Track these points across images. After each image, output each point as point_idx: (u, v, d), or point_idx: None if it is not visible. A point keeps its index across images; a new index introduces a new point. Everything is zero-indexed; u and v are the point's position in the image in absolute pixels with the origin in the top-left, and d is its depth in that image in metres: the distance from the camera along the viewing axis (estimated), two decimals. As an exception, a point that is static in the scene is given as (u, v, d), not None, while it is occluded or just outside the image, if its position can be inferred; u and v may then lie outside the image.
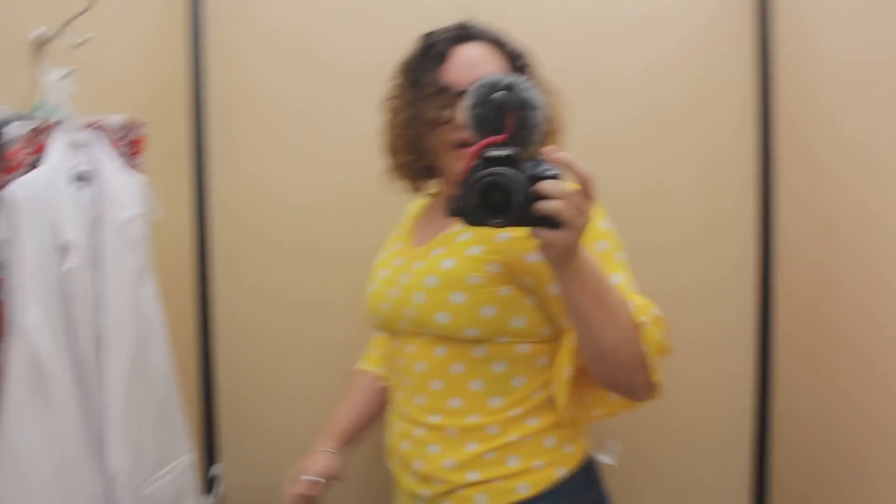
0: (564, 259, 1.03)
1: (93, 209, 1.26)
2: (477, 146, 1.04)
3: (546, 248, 1.03)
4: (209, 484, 1.87)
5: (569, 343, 1.19)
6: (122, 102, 1.50)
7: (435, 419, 1.26)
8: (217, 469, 1.89)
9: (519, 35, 1.34)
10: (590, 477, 1.32)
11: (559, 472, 1.26)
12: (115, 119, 1.36)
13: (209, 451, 1.89)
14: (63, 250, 1.14)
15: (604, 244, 1.21)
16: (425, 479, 1.28)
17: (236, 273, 1.89)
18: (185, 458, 1.51)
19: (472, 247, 1.23)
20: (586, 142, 1.70)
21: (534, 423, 1.25)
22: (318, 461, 1.46)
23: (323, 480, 1.44)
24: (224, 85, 1.86)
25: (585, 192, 1.00)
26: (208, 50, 1.84)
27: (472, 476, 1.24)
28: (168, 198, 1.50)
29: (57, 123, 1.19)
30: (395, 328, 1.32)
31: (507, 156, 1.02)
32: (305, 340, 1.89)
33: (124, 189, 1.32)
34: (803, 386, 1.71)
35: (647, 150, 1.81)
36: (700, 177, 1.81)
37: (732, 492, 1.86)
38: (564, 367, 1.19)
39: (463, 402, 1.25)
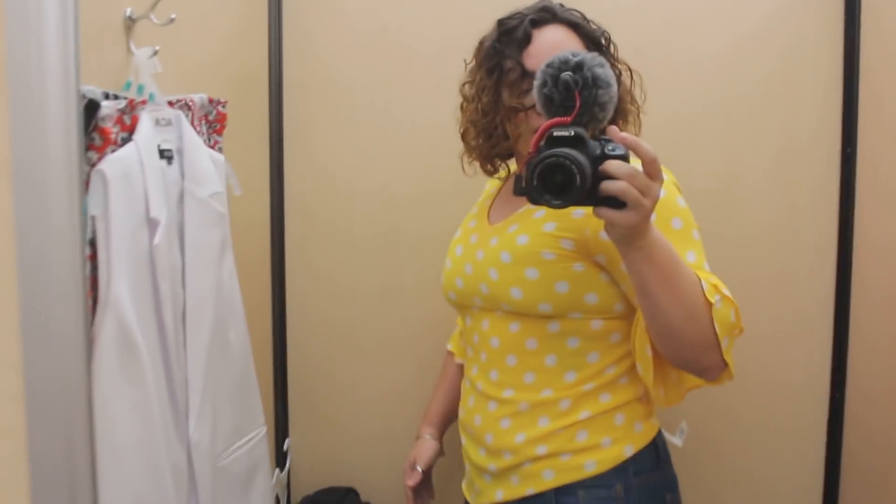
0: (630, 238, 1.03)
1: (177, 185, 1.29)
2: (543, 126, 1.04)
3: (611, 227, 1.03)
4: (281, 459, 1.91)
5: (640, 324, 1.19)
6: (205, 84, 1.53)
7: (508, 394, 1.28)
8: (288, 443, 1.93)
9: (593, 15, 1.32)
10: (658, 457, 1.31)
11: (627, 450, 1.26)
12: (199, 98, 1.39)
13: (281, 427, 1.93)
14: (151, 225, 1.17)
15: (678, 222, 1.20)
16: (494, 452, 1.30)
17: (307, 255, 1.93)
18: (260, 431, 1.55)
19: (546, 223, 1.23)
20: (662, 126, 1.70)
21: (606, 400, 1.27)
22: (426, 449, 1.56)
23: (432, 467, 1.54)
24: (301, 71, 1.90)
25: (651, 172, 0.99)
26: (287, 36, 1.88)
27: (541, 450, 1.25)
28: (245, 179, 1.53)
29: (144, 101, 1.22)
30: (470, 304, 1.34)
31: (573, 136, 1.02)
32: (374, 327, 1.92)
33: (207, 166, 1.35)
34: (879, 379, 1.67)
35: (725, 136, 1.78)
36: (780, 165, 1.77)
37: (804, 487, 1.83)
38: (645, 346, 1.19)
39: (537, 377, 1.26)
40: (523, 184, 1.02)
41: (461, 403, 1.42)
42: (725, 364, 1.14)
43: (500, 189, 1.44)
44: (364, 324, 1.91)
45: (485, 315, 1.32)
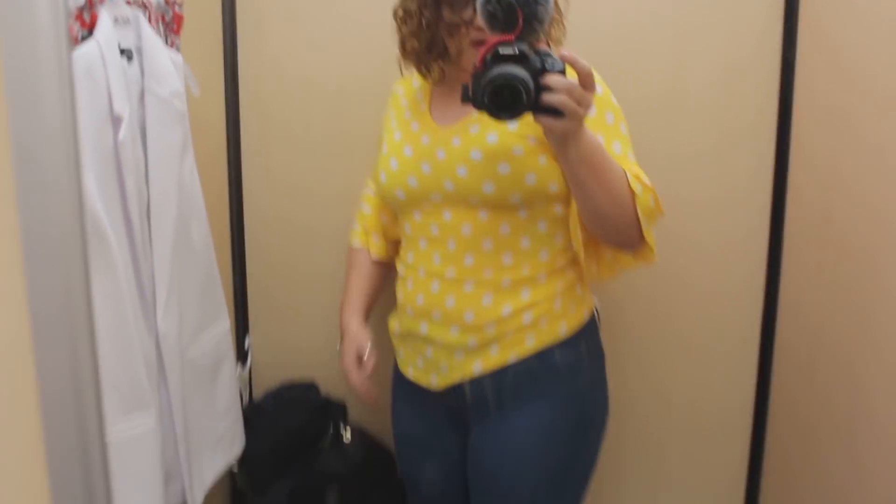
0: (566, 141, 1.19)
1: (137, 84, 1.32)
2: (489, 43, 1.15)
3: (549, 132, 1.18)
4: (243, 355, 1.98)
5: (574, 212, 1.36)
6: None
7: (488, 274, 1.41)
8: (249, 341, 2.00)
9: None
10: (596, 322, 1.53)
11: (586, 315, 1.47)
12: (156, -3, 1.40)
13: (241, 324, 1.99)
14: (115, 122, 1.20)
15: (611, 116, 1.40)
16: (475, 328, 1.41)
17: (264, 156, 1.95)
18: (224, 325, 1.62)
19: (510, 122, 1.30)
20: (606, 40, 1.77)
21: (570, 274, 1.45)
22: (365, 337, 1.60)
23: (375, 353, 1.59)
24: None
25: (586, 85, 1.14)
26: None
27: (527, 318, 1.40)
28: (200, 80, 1.54)
29: (103, -1, 1.23)
30: (424, 200, 1.43)
31: (517, 54, 1.14)
32: (331, 226, 1.95)
33: (166, 65, 1.37)
34: (810, 293, 1.75)
35: (669, 53, 1.82)
36: (721, 82, 1.83)
37: (739, 373, 1.97)
38: (577, 229, 1.38)
39: (514, 258, 1.40)
40: (471, 94, 1.15)
41: (409, 295, 1.50)
42: (646, 241, 1.37)
43: (436, 93, 1.51)
44: (320, 223, 1.95)
45: (445, 208, 1.41)
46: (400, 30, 1.45)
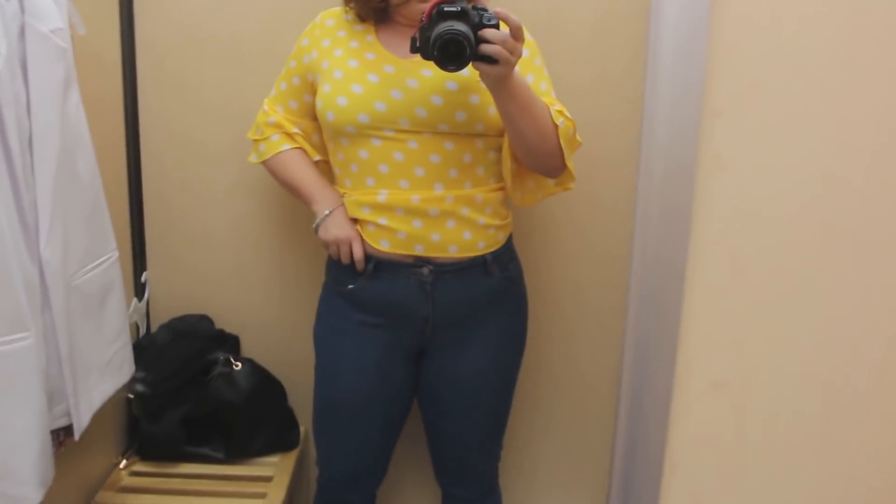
0: (500, 84, 1.40)
1: (17, 20, 1.37)
2: (433, 2, 1.35)
3: (485, 77, 1.39)
4: (140, 289, 2.05)
5: (506, 144, 1.56)
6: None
7: (449, 200, 1.57)
8: (146, 276, 2.07)
9: None
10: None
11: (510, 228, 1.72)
12: (35, -67, 1.45)
13: (139, 260, 2.06)
14: (-9, 55, 1.26)
15: (539, 60, 1.64)
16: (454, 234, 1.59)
17: (159, 99, 2.00)
18: (112, 255, 1.68)
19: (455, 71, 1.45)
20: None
21: (504, 195, 1.66)
22: (341, 210, 1.65)
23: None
24: None
25: (517, 37, 1.35)
26: None
27: (491, 230, 1.63)
28: (93, 19, 1.58)
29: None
30: (387, 127, 1.54)
31: (459, 10, 1.34)
32: (224, 172, 2.02)
33: (46, 3, 1.42)
34: None
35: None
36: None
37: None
38: (507, 159, 1.58)
39: (473, 185, 1.59)
40: (418, 45, 1.38)
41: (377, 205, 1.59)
42: (566, 167, 1.58)
43: (375, 29, 1.61)
44: (215, 161, 2.03)
45: (410, 137, 1.54)
46: None
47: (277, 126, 1.73)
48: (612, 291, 2.06)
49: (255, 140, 1.77)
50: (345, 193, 1.64)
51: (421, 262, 1.59)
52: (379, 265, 1.61)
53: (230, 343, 2.07)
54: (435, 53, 1.34)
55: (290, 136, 1.73)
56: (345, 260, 1.63)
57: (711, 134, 0.94)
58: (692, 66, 0.90)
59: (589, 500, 2.22)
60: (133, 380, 1.85)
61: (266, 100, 1.76)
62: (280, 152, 1.73)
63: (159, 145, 2.03)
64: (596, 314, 2.09)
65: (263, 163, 1.76)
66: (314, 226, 1.66)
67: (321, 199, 1.67)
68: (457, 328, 1.65)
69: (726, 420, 1.05)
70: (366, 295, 1.64)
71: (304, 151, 1.74)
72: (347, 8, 1.62)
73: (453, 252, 1.59)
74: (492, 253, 1.63)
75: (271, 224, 2.03)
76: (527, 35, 1.53)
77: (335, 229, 1.63)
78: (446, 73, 1.40)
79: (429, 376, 1.73)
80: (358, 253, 1.61)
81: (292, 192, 1.75)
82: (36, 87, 1.39)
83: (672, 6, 0.88)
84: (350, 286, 1.65)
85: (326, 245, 1.66)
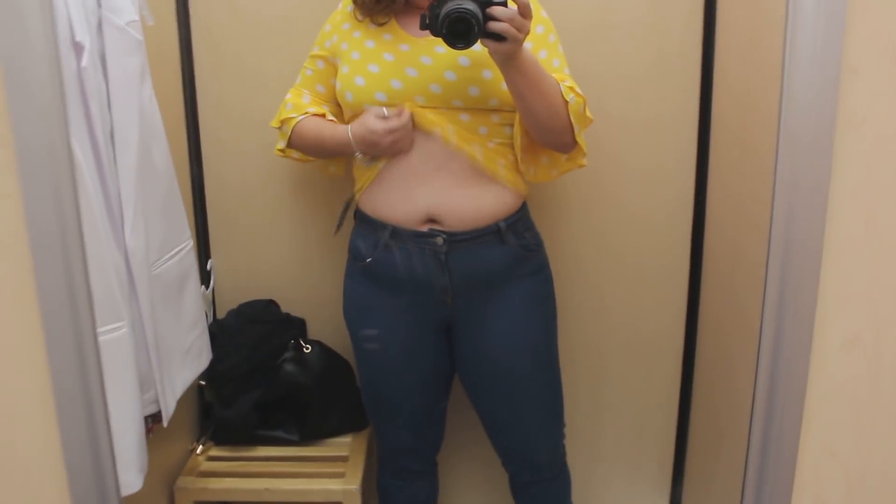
0: (509, 61, 1.42)
1: (95, 14, 1.38)
2: None
3: (495, 54, 1.42)
4: (205, 277, 2.07)
5: (518, 119, 1.58)
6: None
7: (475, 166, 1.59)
8: (211, 263, 2.09)
9: None
10: None
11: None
12: (107, -71, 1.46)
13: (203, 248, 2.09)
14: (77, 49, 1.28)
15: (553, 37, 1.63)
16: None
17: (217, 86, 2.01)
18: (188, 243, 1.71)
19: (464, 48, 1.47)
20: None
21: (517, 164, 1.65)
22: (362, 120, 1.59)
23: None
24: None
25: (524, 14, 1.37)
26: None
27: (504, 198, 1.63)
28: (154, 9, 1.60)
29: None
30: (407, 103, 1.55)
31: None
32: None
33: (121, -4, 1.44)
34: (730, 213, 1.87)
35: None
36: (649, 12, 1.93)
37: (674, 270, 2.11)
38: (519, 137, 1.59)
39: (485, 154, 1.59)
40: (428, 23, 1.40)
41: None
42: (577, 143, 1.60)
43: (396, 10, 1.62)
44: (273, 150, 2.03)
45: (426, 111, 1.55)
46: None
47: (294, 109, 1.73)
48: (673, 261, 2.08)
49: (278, 128, 1.78)
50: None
51: (434, 232, 1.60)
52: (394, 234, 1.62)
53: (297, 326, 2.09)
54: (443, 31, 1.37)
55: (304, 112, 1.72)
56: (403, 146, 1.58)
57: (849, 92, 0.95)
58: (832, 25, 0.90)
59: (656, 475, 2.23)
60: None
61: (291, 88, 1.78)
62: (296, 125, 1.72)
63: (219, 132, 2.04)
64: (658, 283, 2.10)
65: (289, 143, 1.75)
66: (363, 160, 1.63)
67: (343, 134, 1.62)
68: (478, 299, 1.65)
69: (861, 375, 1.06)
70: (383, 268, 1.65)
71: (319, 115, 1.72)
72: None
73: (466, 220, 1.59)
74: (505, 220, 1.63)
75: (330, 206, 2.04)
76: (542, 13, 1.62)
77: (367, 135, 1.57)
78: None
79: (462, 353, 1.73)
80: (385, 114, 1.55)
81: (322, 151, 1.75)
82: (115, 79, 1.41)
83: None
84: (368, 259, 1.66)
85: (387, 154, 1.60)
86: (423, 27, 1.42)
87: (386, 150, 1.58)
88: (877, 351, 1.06)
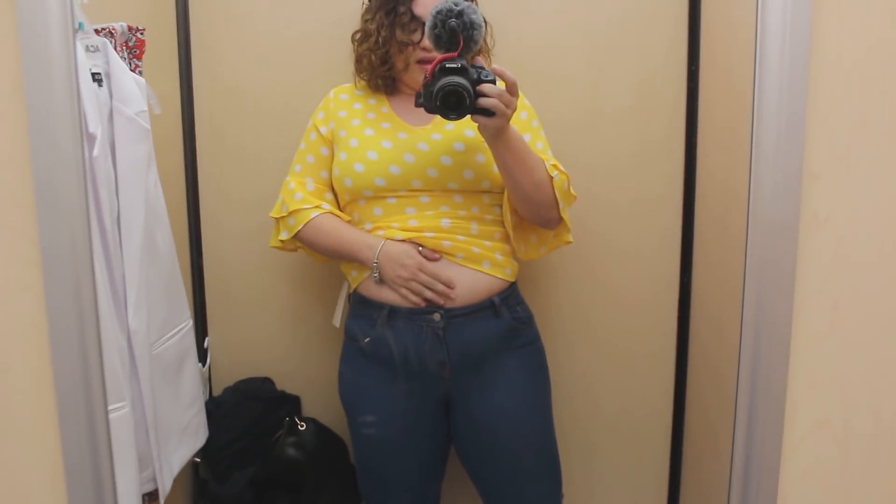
0: (497, 135, 1.50)
1: (107, 105, 1.46)
2: (437, 59, 1.47)
3: (483, 129, 1.50)
4: (202, 355, 2.11)
5: (507, 198, 1.66)
6: (119, 10, 1.67)
7: (476, 249, 1.67)
8: (208, 341, 2.13)
9: None
10: None
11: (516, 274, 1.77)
12: (119, 25, 1.54)
13: (200, 326, 2.13)
14: (89, 140, 1.34)
15: (536, 122, 1.75)
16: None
17: (218, 170, 2.09)
18: (187, 323, 1.76)
19: (456, 120, 1.56)
20: (532, 65, 1.96)
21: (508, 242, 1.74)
22: (400, 243, 1.66)
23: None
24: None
25: (512, 91, 1.46)
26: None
27: (497, 274, 1.69)
28: (160, 98, 1.67)
29: (76, 30, 1.37)
30: (406, 187, 1.64)
31: (459, 67, 1.45)
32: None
33: (131, 87, 1.51)
34: (714, 289, 1.93)
35: (586, 75, 2.02)
36: (636, 101, 2.02)
37: (661, 343, 2.16)
38: (509, 215, 1.67)
39: (479, 227, 1.68)
40: (423, 100, 1.49)
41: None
42: (562, 219, 1.67)
43: (388, 100, 1.76)
44: (271, 232, 2.08)
45: (422, 193, 1.65)
46: (357, 49, 1.76)
47: (304, 200, 1.74)
48: (660, 339, 2.13)
49: (281, 217, 1.77)
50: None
51: (432, 308, 1.64)
52: (392, 313, 1.66)
53: (292, 404, 2.12)
54: (437, 103, 1.45)
55: (317, 206, 1.73)
56: (429, 294, 1.63)
57: (811, 194, 1.02)
58: (792, 135, 0.98)
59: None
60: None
61: (290, 176, 1.80)
62: (311, 220, 1.72)
63: (219, 214, 2.11)
64: (645, 361, 2.15)
65: (296, 235, 1.74)
66: (374, 276, 1.66)
67: (365, 243, 1.67)
68: (475, 372, 1.69)
69: (831, 457, 1.11)
70: (381, 347, 1.68)
71: (335, 215, 1.74)
72: (358, 81, 1.80)
73: (462, 296, 1.65)
74: (499, 295, 1.68)
75: (325, 287, 2.09)
76: (525, 101, 1.74)
77: (398, 268, 1.63)
78: (454, 135, 1.55)
79: (460, 426, 1.75)
80: (434, 278, 1.63)
81: (335, 253, 1.75)
82: (123, 166, 1.48)
83: (772, 86, 0.96)
84: (367, 339, 1.70)
85: (398, 285, 1.64)
86: (418, 104, 1.51)
87: (403, 283, 1.63)
88: (846, 434, 1.11)
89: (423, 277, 1.62)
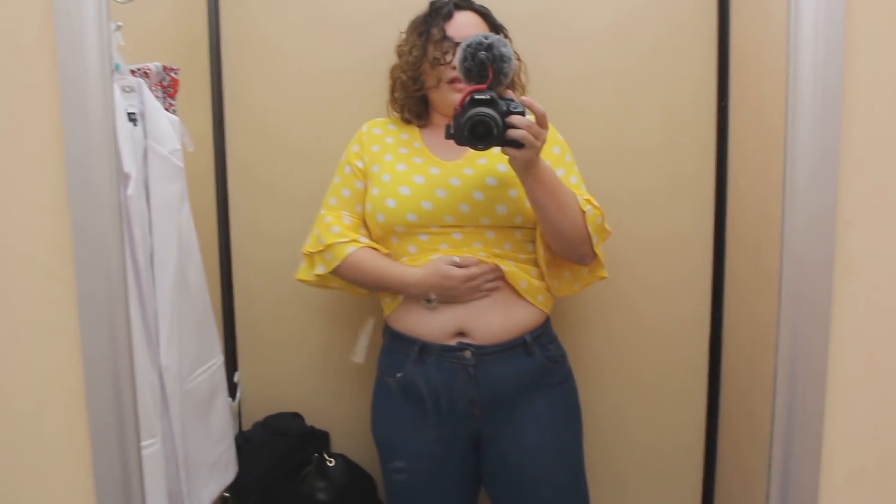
0: (527, 168, 1.50)
1: (141, 144, 1.48)
2: (467, 91, 1.46)
3: (513, 161, 1.50)
4: (232, 389, 2.12)
5: (539, 232, 1.65)
6: (155, 51, 1.71)
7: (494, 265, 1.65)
8: (238, 375, 2.14)
9: None
10: None
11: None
12: (154, 66, 1.57)
13: (230, 361, 2.14)
14: (124, 179, 1.36)
15: (569, 157, 1.75)
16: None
17: (249, 206, 2.11)
18: (218, 359, 1.76)
19: (485, 150, 1.56)
20: (562, 91, 1.98)
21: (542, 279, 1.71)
22: (434, 266, 1.65)
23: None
24: (239, 35, 2.06)
25: (541, 123, 1.47)
26: (224, 4, 2.05)
27: (530, 312, 1.69)
28: (193, 136, 1.70)
29: (112, 71, 1.39)
30: (434, 223, 1.64)
31: (489, 98, 1.47)
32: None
33: (165, 127, 1.54)
34: (747, 326, 1.91)
35: (615, 107, 2.02)
36: (665, 136, 2.02)
37: (691, 379, 2.13)
38: (541, 250, 1.66)
39: (511, 269, 1.66)
40: (452, 131, 1.50)
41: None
42: (595, 255, 1.67)
43: (421, 135, 1.78)
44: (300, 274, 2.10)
45: (454, 229, 1.65)
46: (392, 76, 1.80)
47: (341, 234, 1.71)
48: (691, 376, 2.11)
49: (318, 252, 1.74)
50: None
51: (463, 346, 1.64)
52: (424, 349, 1.66)
53: (321, 439, 2.12)
54: (466, 133, 1.46)
55: (355, 240, 1.71)
56: (481, 285, 1.64)
57: (845, 240, 1.01)
58: (825, 179, 0.97)
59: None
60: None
61: (325, 210, 1.78)
62: (349, 255, 1.69)
63: (249, 250, 2.12)
64: (677, 399, 2.13)
65: (334, 270, 1.71)
66: (429, 303, 1.65)
67: (410, 276, 1.66)
68: (505, 410, 1.68)
69: None
70: (413, 382, 1.68)
71: (373, 248, 1.72)
72: (391, 116, 1.83)
73: (494, 333, 1.64)
74: (531, 333, 1.67)
75: (355, 323, 2.09)
76: (558, 135, 1.73)
77: (444, 281, 1.63)
78: (486, 170, 1.57)
79: (491, 464, 1.73)
80: (457, 261, 1.63)
81: (377, 287, 1.74)
82: (157, 205, 1.50)
83: (804, 131, 0.96)
84: (398, 374, 1.69)
85: (456, 293, 1.64)
86: (448, 136, 1.51)
87: (463, 296, 1.63)
88: (884, 484, 1.09)
89: (470, 284, 1.62)
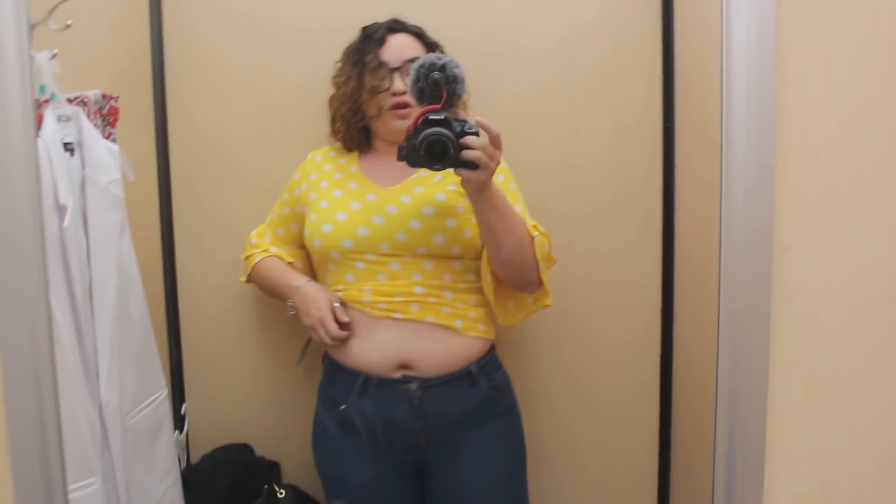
0: (479, 190, 1.49)
1: (79, 174, 1.44)
2: (420, 111, 1.44)
3: (466, 182, 1.48)
4: (179, 422, 2.07)
5: (486, 261, 1.63)
6: (94, 76, 1.67)
7: (445, 310, 1.64)
8: (185, 407, 2.09)
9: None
10: None
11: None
12: (93, 94, 1.53)
13: (178, 392, 2.09)
14: (60, 211, 1.32)
15: (513, 185, 1.73)
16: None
17: (195, 233, 2.07)
18: (162, 392, 1.72)
19: (449, 184, 1.61)
20: (509, 109, 1.95)
21: (486, 308, 1.71)
22: (320, 290, 1.71)
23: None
24: (182, 57, 2.02)
25: (495, 144, 1.46)
26: (168, 24, 2.00)
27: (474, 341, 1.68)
28: (133, 163, 1.66)
29: (47, 101, 1.36)
30: (370, 250, 1.62)
31: (443, 119, 1.43)
32: (259, 297, 2.06)
33: (104, 156, 1.50)
34: (696, 342, 1.92)
35: (563, 125, 2.02)
36: (612, 153, 2.03)
37: (644, 396, 2.12)
38: (486, 277, 1.64)
39: (453, 294, 1.66)
40: (405, 153, 1.47)
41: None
42: (541, 282, 1.65)
43: (358, 161, 1.76)
44: (249, 294, 2.07)
45: (392, 259, 1.62)
46: (330, 107, 1.77)
47: (256, 245, 1.87)
48: (643, 393, 2.11)
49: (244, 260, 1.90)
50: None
51: (408, 378, 1.62)
52: (367, 381, 1.64)
53: (271, 470, 2.07)
54: (422, 154, 1.45)
55: (265, 251, 1.85)
56: (329, 338, 1.66)
57: (783, 265, 1.02)
58: (761, 206, 0.97)
59: None
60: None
61: (259, 227, 1.91)
62: (256, 263, 1.84)
63: (195, 274, 2.08)
64: (629, 417, 2.12)
65: (249, 279, 1.89)
66: (289, 310, 1.75)
67: (295, 285, 1.74)
68: (451, 440, 1.66)
69: None
70: (357, 415, 1.66)
71: (279, 259, 1.83)
72: (333, 144, 1.81)
73: (438, 366, 1.63)
74: (476, 363, 1.66)
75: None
76: (503, 162, 1.64)
77: (310, 308, 1.68)
78: (423, 198, 1.56)
79: (436, 495, 1.72)
80: (332, 331, 1.65)
81: (275, 292, 1.84)
82: (95, 236, 1.46)
83: (739, 153, 0.96)
84: (341, 406, 1.67)
85: (304, 319, 1.71)
86: (401, 157, 1.49)
87: (307, 325, 1.69)
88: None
89: (321, 332, 1.65)
